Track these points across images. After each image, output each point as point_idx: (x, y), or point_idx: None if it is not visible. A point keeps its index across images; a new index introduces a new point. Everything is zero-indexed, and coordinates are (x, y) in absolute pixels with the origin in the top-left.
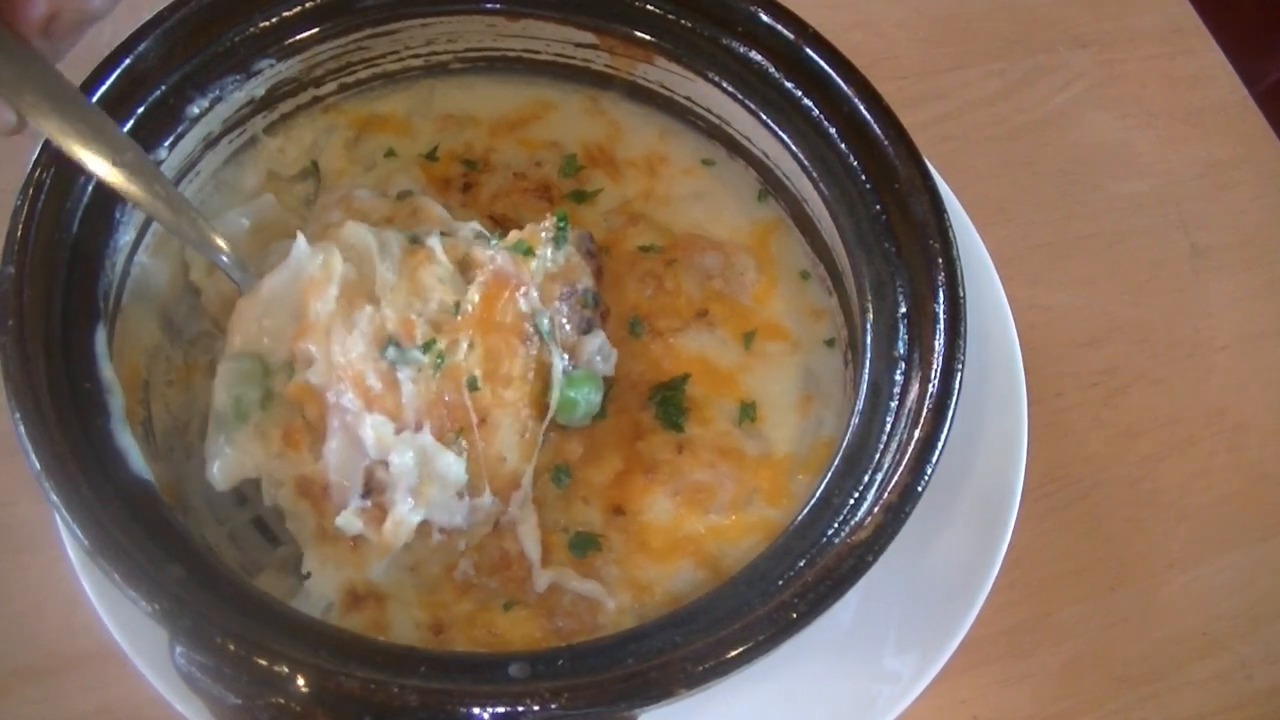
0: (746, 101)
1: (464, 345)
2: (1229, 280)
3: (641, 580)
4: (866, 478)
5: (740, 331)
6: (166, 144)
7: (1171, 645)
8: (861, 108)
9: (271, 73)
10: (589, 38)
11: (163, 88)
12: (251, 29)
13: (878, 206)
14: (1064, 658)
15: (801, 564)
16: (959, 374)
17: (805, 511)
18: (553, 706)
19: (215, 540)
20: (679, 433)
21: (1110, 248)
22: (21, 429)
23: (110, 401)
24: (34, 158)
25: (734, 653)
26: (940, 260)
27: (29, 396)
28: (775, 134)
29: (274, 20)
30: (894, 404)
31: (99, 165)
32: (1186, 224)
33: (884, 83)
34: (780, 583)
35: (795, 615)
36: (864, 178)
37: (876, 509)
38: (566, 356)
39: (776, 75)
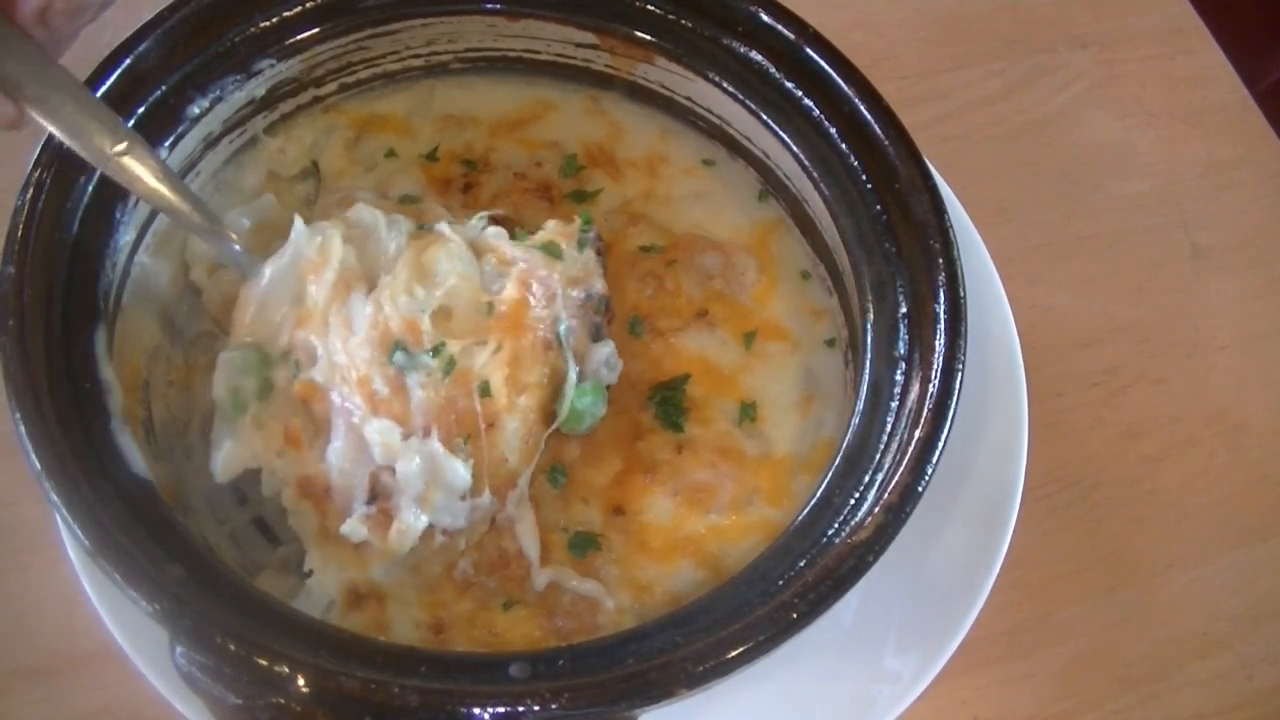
0: (747, 101)
1: (491, 347)
2: (1229, 280)
3: (641, 580)
4: (867, 478)
5: (740, 331)
6: (167, 144)
7: (1172, 645)
8: (862, 108)
9: (272, 73)
10: (589, 38)
11: (163, 88)
12: (252, 29)
13: (878, 206)
14: (1064, 658)
15: (802, 564)
16: (959, 374)
17: (806, 511)
18: (553, 706)
19: (216, 540)
20: (679, 433)
21: (1111, 248)
22: (22, 429)
23: (110, 402)
24: (34, 158)
25: (734, 653)
26: (941, 260)
27: (29, 396)
28: (776, 134)
29: (274, 20)
30: (894, 404)
31: (102, 157)
32: (1187, 224)
33: (884, 83)
34: (780, 583)
35: (795, 615)
36: (864, 178)
37: (877, 509)
38: (577, 366)
39: (777, 75)
